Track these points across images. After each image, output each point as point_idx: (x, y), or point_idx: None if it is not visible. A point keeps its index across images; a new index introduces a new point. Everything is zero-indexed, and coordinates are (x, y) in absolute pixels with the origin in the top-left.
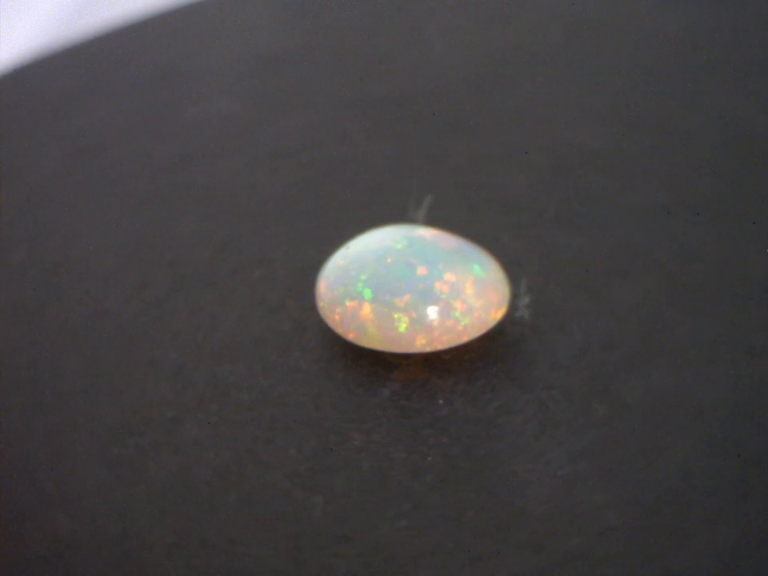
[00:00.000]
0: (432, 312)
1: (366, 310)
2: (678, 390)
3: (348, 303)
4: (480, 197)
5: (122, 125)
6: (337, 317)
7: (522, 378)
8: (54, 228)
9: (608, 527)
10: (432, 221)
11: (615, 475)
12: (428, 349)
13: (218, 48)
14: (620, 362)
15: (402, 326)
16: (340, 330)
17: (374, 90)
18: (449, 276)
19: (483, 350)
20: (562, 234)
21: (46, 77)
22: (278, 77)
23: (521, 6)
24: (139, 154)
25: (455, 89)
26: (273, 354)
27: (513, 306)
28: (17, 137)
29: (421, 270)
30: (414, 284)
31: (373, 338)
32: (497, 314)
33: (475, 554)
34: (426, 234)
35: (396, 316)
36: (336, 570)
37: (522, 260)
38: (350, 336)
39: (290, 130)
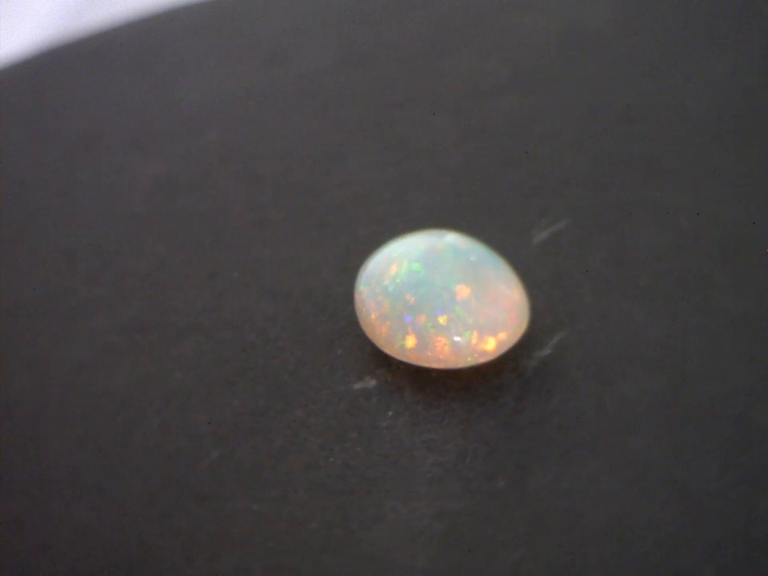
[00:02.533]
0: (432, 330)
1: (368, 301)
2: (579, 498)
3: (364, 293)
4: (602, 242)
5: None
6: (356, 302)
7: (471, 424)
8: (240, 129)
9: None
10: (545, 243)
11: (454, 550)
12: (421, 363)
13: (529, 12)
14: (560, 446)
15: (391, 331)
16: (357, 312)
17: (616, 98)
18: (458, 300)
19: (468, 382)
20: (633, 306)
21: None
22: (555, 54)
23: None
24: (353, 84)
25: (688, 134)
26: (307, 310)
27: (530, 350)
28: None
29: (437, 285)
30: (421, 296)
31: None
32: (497, 352)
33: (279, 562)
34: (468, 252)
35: (396, 320)
36: (171, 522)
37: (580, 315)
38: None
39: (513, 109)
